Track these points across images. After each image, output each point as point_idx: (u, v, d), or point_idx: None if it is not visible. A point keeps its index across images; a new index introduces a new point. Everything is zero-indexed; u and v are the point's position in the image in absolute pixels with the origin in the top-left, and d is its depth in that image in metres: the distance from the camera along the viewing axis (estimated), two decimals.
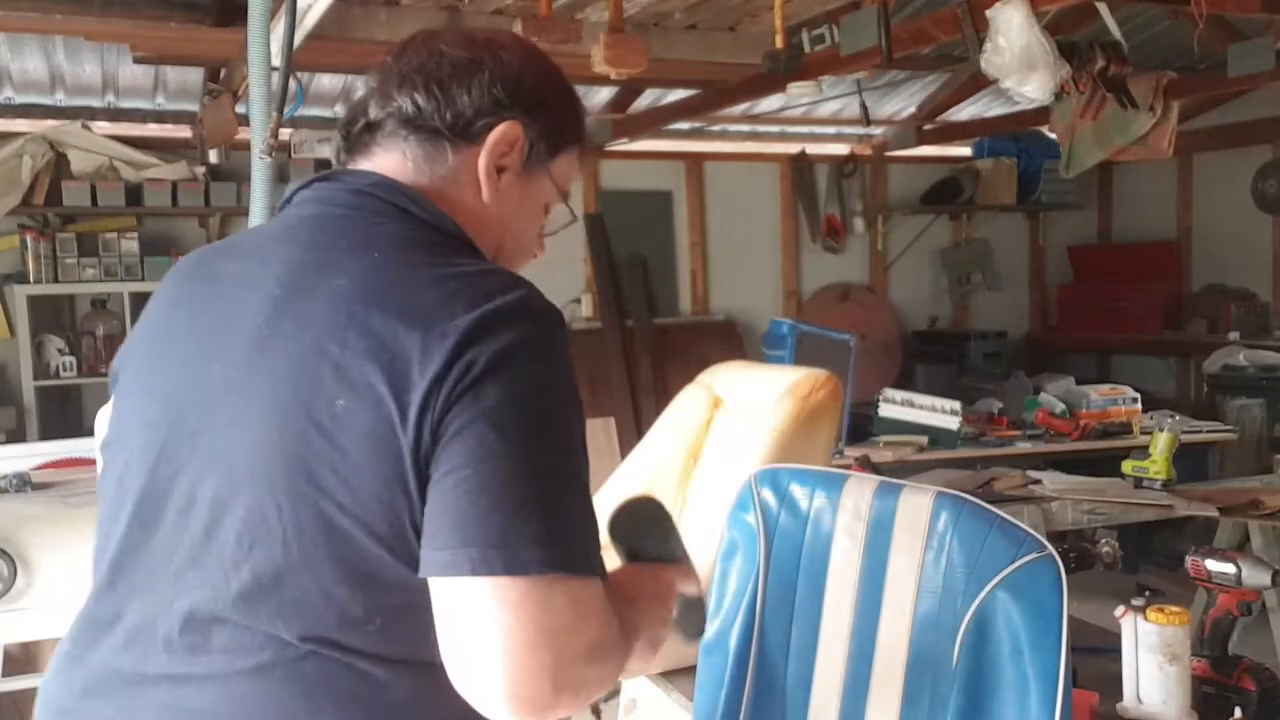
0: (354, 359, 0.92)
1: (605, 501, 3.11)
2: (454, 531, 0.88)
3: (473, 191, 1.09)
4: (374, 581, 0.92)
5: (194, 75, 4.81)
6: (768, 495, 1.46)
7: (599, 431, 5.41)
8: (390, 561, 0.92)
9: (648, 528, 1.17)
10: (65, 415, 5.02)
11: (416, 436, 0.89)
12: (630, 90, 5.54)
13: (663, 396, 3.07)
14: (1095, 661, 1.89)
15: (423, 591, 0.91)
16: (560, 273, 6.00)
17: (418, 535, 0.91)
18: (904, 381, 6.21)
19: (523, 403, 0.91)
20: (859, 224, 6.74)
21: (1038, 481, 3.67)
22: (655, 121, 5.65)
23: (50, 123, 4.98)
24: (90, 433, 3.07)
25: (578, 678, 0.90)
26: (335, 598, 0.92)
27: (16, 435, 4.74)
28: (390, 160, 1.09)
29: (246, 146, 2.74)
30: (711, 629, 1.46)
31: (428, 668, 0.92)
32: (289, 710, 0.93)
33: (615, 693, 3.83)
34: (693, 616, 1.19)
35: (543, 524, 0.88)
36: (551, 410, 0.93)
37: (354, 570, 0.92)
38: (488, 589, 0.87)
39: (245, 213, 2.77)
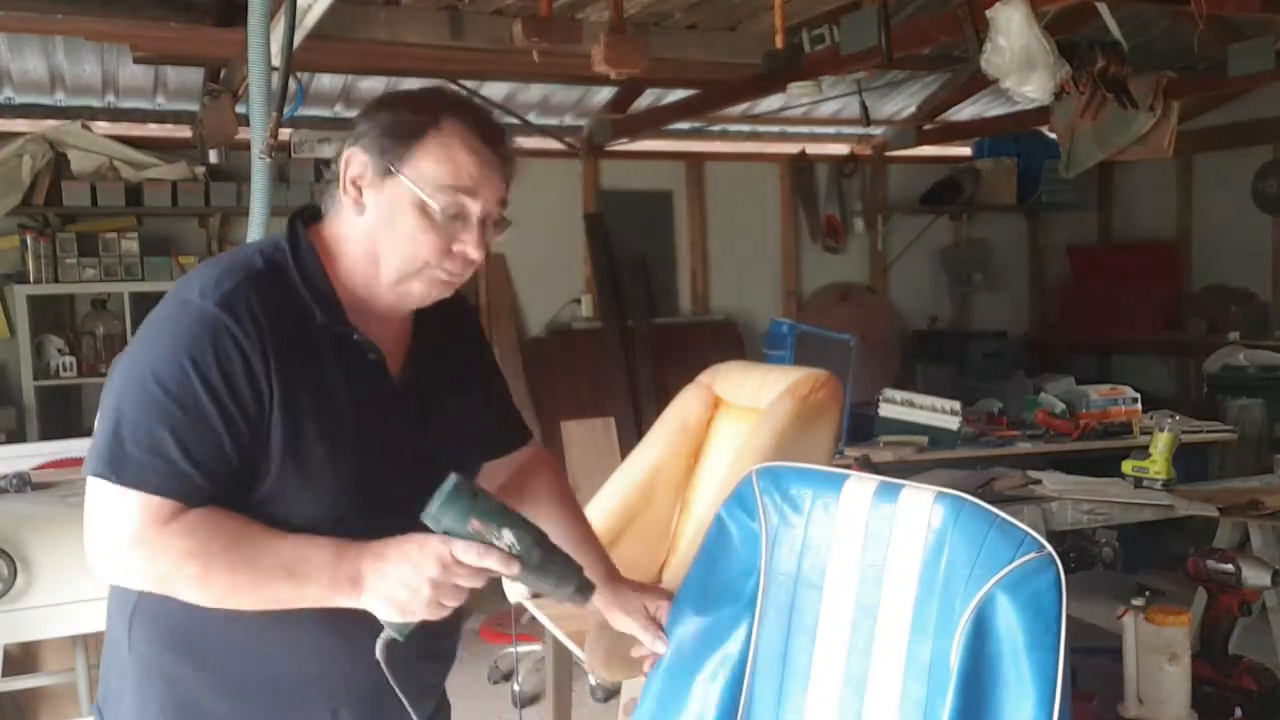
0: None
1: (605, 500, 3.11)
2: None
3: (346, 213, 1.37)
4: None
5: (194, 75, 4.81)
6: (768, 493, 1.46)
7: (599, 431, 5.40)
8: None
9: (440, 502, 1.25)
10: (65, 415, 5.02)
11: None
12: (630, 90, 5.54)
13: (663, 396, 3.07)
14: (1095, 661, 1.89)
15: None
16: (560, 273, 6.01)
17: None
18: (904, 381, 6.21)
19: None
20: (859, 224, 6.74)
21: (1038, 481, 3.67)
22: (655, 121, 5.65)
23: (50, 123, 4.98)
24: (90, 433, 3.07)
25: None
26: None
27: (16, 435, 4.74)
28: (327, 208, 1.42)
29: (246, 146, 2.74)
30: (711, 626, 1.46)
31: None
32: None
33: (615, 693, 3.83)
34: (541, 575, 1.29)
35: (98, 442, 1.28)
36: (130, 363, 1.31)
37: None
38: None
39: (245, 213, 2.77)
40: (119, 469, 1.24)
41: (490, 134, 1.35)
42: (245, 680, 1.35)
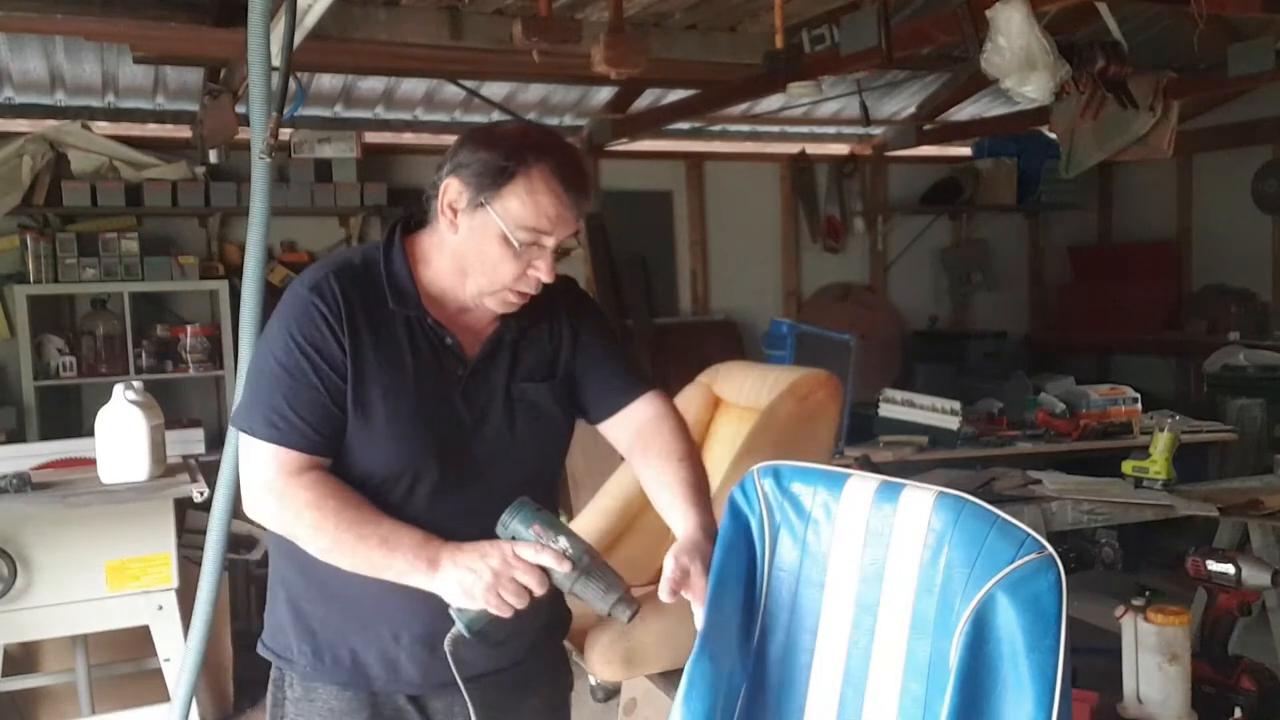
0: None
1: (605, 500, 3.11)
2: None
3: (442, 229, 1.59)
4: None
5: (194, 75, 4.81)
6: (770, 491, 1.46)
7: (599, 431, 5.40)
8: None
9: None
10: (65, 415, 5.01)
11: None
12: (630, 90, 5.54)
13: None
14: (1095, 661, 1.89)
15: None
16: (560, 272, 6.00)
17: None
18: (904, 381, 6.21)
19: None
20: (859, 224, 6.74)
21: (1038, 481, 3.67)
22: (655, 121, 5.65)
23: (50, 123, 4.98)
24: (90, 433, 3.07)
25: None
26: None
27: (16, 435, 4.73)
28: (429, 216, 1.64)
29: (246, 146, 2.73)
30: (709, 625, 1.46)
31: None
32: None
33: (615, 693, 3.83)
34: (591, 580, 1.45)
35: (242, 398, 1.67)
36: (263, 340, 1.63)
37: None
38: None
39: (245, 213, 2.77)
40: (253, 424, 1.55)
41: (571, 179, 1.54)
42: (335, 592, 1.60)
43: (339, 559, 1.52)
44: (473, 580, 1.44)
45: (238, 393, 2.13)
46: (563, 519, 1.52)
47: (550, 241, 1.55)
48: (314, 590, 1.64)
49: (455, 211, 1.55)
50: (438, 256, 1.61)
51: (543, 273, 1.57)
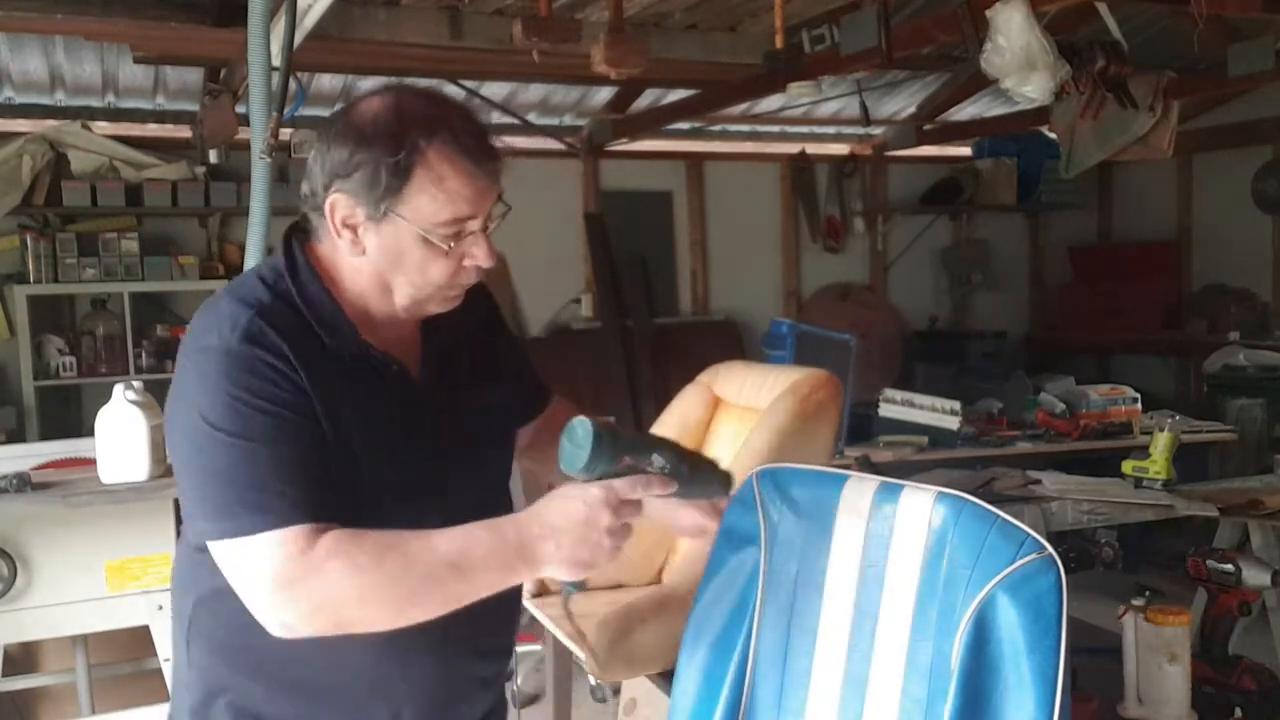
0: None
1: None
2: None
3: (343, 251, 1.33)
4: None
5: (194, 75, 4.81)
6: (769, 494, 1.45)
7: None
8: None
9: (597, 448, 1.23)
10: (65, 415, 5.01)
11: None
12: (630, 90, 5.54)
13: (663, 396, 3.07)
14: (1095, 661, 1.89)
15: None
16: (560, 273, 6.01)
17: None
18: (904, 381, 6.20)
19: None
20: (859, 224, 6.74)
21: (1038, 481, 3.67)
22: (655, 121, 5.65)
23: (50, 123, 4.98)
24: (90, 432, 3.06)
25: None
26: None
27: (16, 435, 4.74)
28: (314, 229, 1.37)
29: (246, 146, 2.74)
30: (709, 626, 1.46)
31: None
32: None
33: (615, 692, 3.83)
34: (694, 485, 1.32)
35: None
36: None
37: None
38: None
39: (245, 213, 2.77)
40: (235, 521, 1.22)
41: (477, 148, 1.30)
42: (304, 685, 1.35)
43: (404, 618, 1.24)
44: (590, 553, 1.23)
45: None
46: (611, 419, 1.31)
47: (476, 224, 1.32)
48: (278, 692, 1.36)
49: (354, 229, 1.31)
50: (351, 277, 1.35)
51: (481, 258, 1.33)
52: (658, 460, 1.27)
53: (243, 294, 1.32)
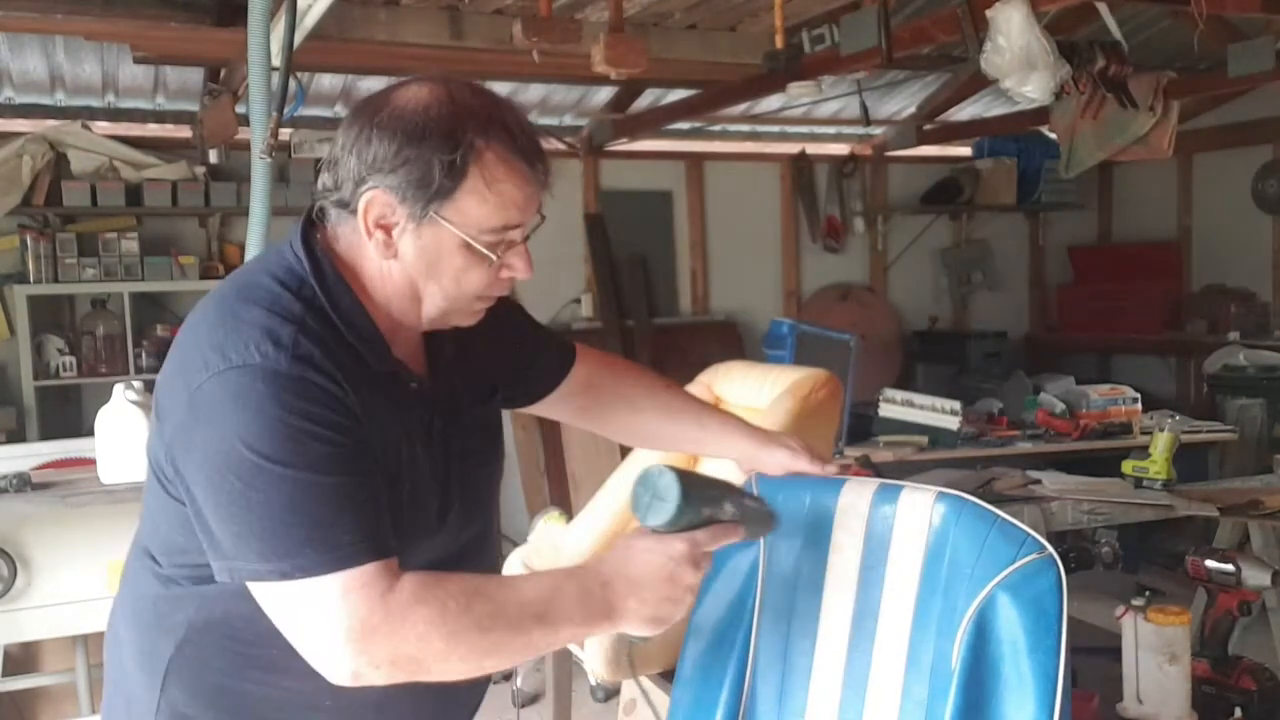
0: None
1: (606, 499, 3.11)
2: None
3: (372, 254, 1.23)
4: None
5: (194, 75, 4.80)
6: (767, 495, 1.45)
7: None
8: None
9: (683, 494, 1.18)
10: (65, 415, 5.01)
11: None
12: (630, 90, 5.54)
13: None
14: (1095, 661, 1.89)
15: None
16: (560, 273, 6.00)
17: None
18: (904, 381, 6.21)
19: None
20: (859, 224, 6.73)
21: (1038, 481, 3.67)
22: (655, 121, 5.65)
23: (50, 123, 4.98)
24: (90, 432, 3.06)
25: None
26: None
27: (16, 435, 4.73)
28: (329, 226, 1.25)
29: (246, 146, 2.74)
30: (709, 628, 1.47)
31: None
32: None
33: (615, 692, 3.83)
34: (753, 526, 1.30)
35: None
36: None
37: None
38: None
39: (245, 213, 2.77)
40: (296, 560, 1.10)
41: (530, 148, 1.21)
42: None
43: (480, 669, 1.17)
44: (670, 610, 1.19)
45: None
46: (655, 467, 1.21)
47: (520, 233, 1.24)
48: None
49: (389, 230, 1.20)
50: (377, 282, 1.24)
51: (520, 270, 1.26)
52: (729, 509, 1.23)
53: (267, 302, 1.18)
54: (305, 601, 1.11)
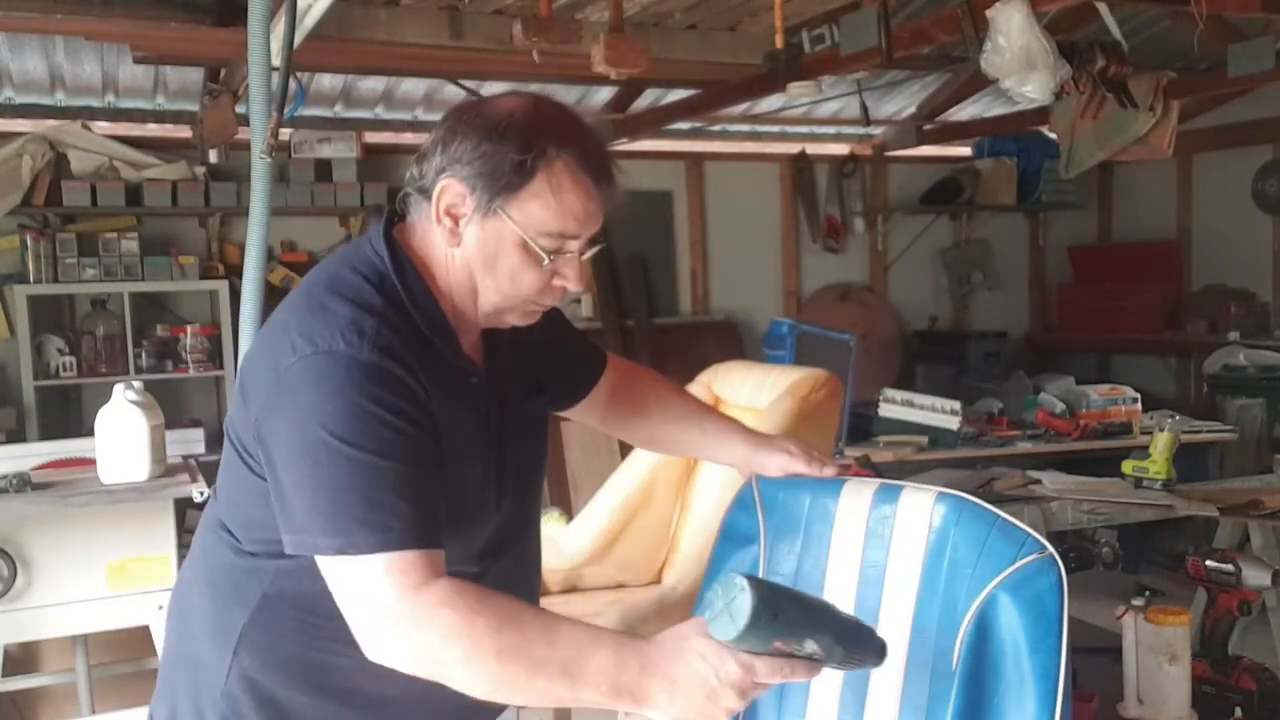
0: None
1: (606, 499, 3.10)
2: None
3: (439, 239, 1.31)
4: None
5: (194, 75, 4.80)
6: (768, 495, 1.46)
7: (599, 431, 5.41)
8: None
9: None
10: (65, 415, 5.01)
11: None
12: (630, 90, 5.54)
13: None
14: (1095, 661, 1.89)
15: None
16: None
17: None
18: (904, 381, 6.21)
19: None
20: (859, 224, 6.74)
21: (1038, 481, 3.67)
22: (655, 121, 5.65)
23: (50, 123, 4.98)
24: (90, 432, 3.06)
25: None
26: None
27: (16, 435, 4.73)
28: (408, 219, 1.35)
29: (246, 146, 2.74)
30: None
31: None
32: None
33: None
34: (851, 665, 1.16)
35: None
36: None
37: None
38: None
39: (245, 213, 2.77)
40: (349, 538, 1.17)
41: (599, 168, 1.29)
42: (354, 696, 1.34)
43: (493, 696, 1.16)
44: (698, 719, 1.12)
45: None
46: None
47: (576, 245, 1.30)
48: (324, 709, 1.35)
49: (456, 219, 1.28)
50: (445, 272, 1.32)
51: (571, 281, 1.32)
52: (810, 646, 1.09)
53: (352, 294, 1.27)
54: (353, 578, 1.17)
